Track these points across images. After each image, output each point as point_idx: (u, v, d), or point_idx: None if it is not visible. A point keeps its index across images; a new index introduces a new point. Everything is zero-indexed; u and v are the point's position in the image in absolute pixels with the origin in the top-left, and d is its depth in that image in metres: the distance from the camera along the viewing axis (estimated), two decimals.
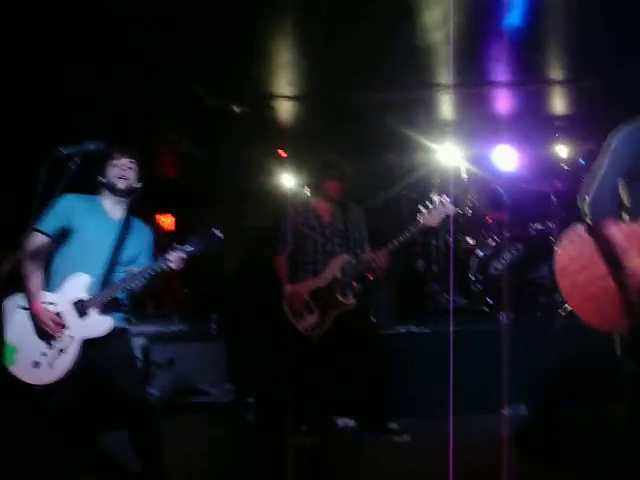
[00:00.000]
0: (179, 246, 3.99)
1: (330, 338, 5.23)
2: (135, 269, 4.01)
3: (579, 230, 3.42)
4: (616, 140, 3.39)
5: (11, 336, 3.96)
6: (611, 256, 3.29)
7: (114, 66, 5.66)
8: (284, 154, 8.24)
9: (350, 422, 5.63)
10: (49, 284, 4.03)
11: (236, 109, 7.22)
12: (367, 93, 6.80)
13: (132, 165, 4.15)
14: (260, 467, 4.76)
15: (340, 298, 5.26)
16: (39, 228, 3.97)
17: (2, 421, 4.65)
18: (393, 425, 5.32)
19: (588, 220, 3.38)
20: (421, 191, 7.49)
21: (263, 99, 7.14)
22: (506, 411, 5.55)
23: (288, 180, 8.17)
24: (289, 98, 7.14)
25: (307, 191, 5.91)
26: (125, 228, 4.13)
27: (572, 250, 3.42)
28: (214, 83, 6.66)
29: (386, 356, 5.53)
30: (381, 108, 7.04)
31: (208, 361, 6.28)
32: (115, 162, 4.11)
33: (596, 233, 3.35)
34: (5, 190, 5.65)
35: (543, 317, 6.65)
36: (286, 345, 5.19)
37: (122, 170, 4.11)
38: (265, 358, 5.97)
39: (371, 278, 5.45)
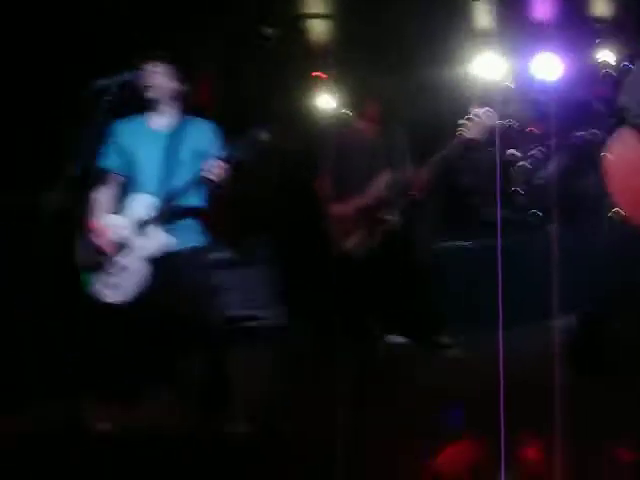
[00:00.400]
0: (219, 153, 3.86)
1: (378, 256, 5.24)
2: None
3: (628, 134, 3.34)
4: None
5: (86, 261, 4.00)
6: None
7: None
8: (324, 75, 8.12)
9: (401, 339, 5.68)
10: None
11: (269, 31, 7.08)
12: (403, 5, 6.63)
13: (159, 69, 3.95)
14: (312, 388, 4.80)
15: (386, 215, 5.25)
16: (102, 166, 4.05)
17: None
18: (445, 339, 5.35)
19: (632, 119, 3.27)
20: (463, 104, 7.33)
21: (296, 19, 7.00)
22: (557, 323, 5.56)
23: (329, 101, 8.06)
24: (323, 17, 7.00)
25: (348, 111, 5.85)
26: (176, 136, 3.98)
27: (622, 154, 3.35)
28: (244, 6, 6.51)
29: (434, 272, 5.54)
30: (418, 20, 6.87)
31: (257, 286, 6.30)
32: (142, 72, 3.92)
33: None
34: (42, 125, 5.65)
35: (592, 226, 6.55)
36: (333, 264, 5.22)
37: (149, 79, 3.93)
38: (312, 279, 5.99)
39: (416, 195, 5.41)
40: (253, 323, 6.18)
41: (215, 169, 3.80)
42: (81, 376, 4.25)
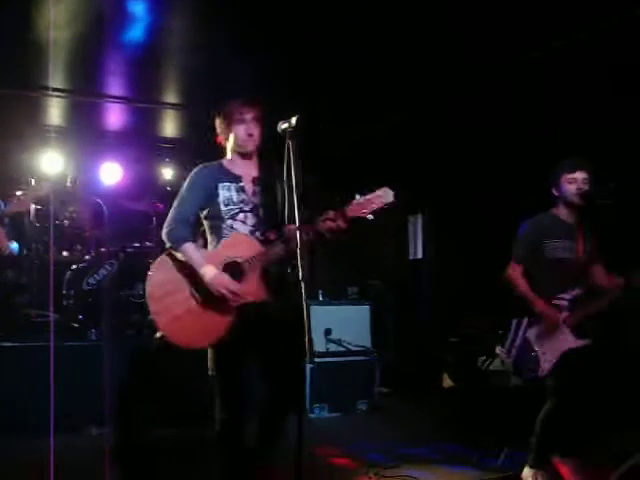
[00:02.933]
0: None
1: None
2: None
3: (166, 257, 3.65)
4: (190, 177, 3.73)
5: None
6: (191, 270, 3.56)
7: None
8: None
9: None
10: None
11: None
12: None
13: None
14: None
15: None
16: None
17: None
18: None
19: (170, 245, 3.64)
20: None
21: None
22: (95, 430, 5.59)
23: None
24: None
25: None
26: None
27: (160, 275, 3.63)
28: None
29: None
30: None
31: None
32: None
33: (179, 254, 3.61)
34: None
35: (136, 335, 6.63)
36: None
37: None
38: None
39: None
40: None
41: None
42: None
